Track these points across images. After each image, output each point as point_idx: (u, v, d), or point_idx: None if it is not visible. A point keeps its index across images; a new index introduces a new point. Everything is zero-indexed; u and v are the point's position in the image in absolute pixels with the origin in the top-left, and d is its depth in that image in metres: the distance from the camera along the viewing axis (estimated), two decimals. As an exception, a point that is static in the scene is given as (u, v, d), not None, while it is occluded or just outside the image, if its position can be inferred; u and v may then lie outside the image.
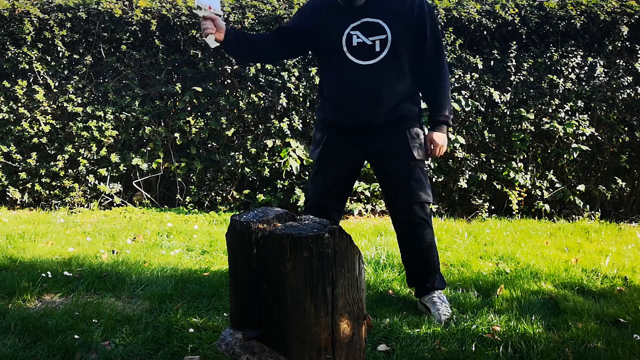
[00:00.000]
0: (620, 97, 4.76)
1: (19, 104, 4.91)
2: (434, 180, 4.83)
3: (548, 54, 4.74)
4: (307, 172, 4.82)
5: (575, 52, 4.74)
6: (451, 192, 4.90)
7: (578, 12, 4.70)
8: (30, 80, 4.95)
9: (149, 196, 5.05)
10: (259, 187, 4.94)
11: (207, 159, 4.96)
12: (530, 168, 4.87)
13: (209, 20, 2.24)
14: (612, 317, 2.45)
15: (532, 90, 4.78)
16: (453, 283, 2.93)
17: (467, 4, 4.75)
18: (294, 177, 4.85)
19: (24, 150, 4.97)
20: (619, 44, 4.75)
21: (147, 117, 4.90)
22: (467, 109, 4.72)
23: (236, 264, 1.59)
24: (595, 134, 4.81)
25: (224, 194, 4.96)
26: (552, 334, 2.27)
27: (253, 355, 1.50)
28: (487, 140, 4.82)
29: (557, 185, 4.88)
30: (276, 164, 4.83)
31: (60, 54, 4.89)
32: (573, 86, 4.76)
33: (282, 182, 4.82)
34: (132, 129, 4.97)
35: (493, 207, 4.91)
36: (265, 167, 4.83)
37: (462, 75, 4.75)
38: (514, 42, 4.73)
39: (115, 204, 4.96)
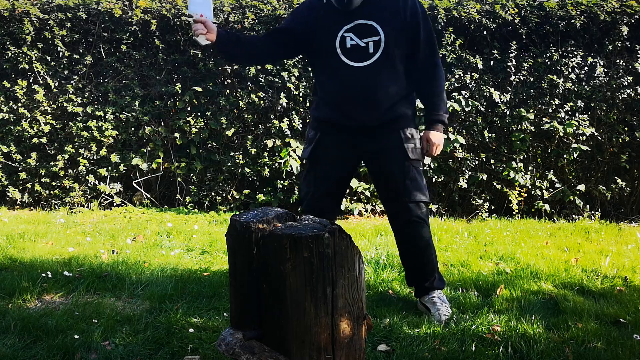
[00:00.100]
0: (620, 97, 4.76)
1: (19, 104, 4.91)
2: (433, 180, 4.83)
3: (548, 54, 4.74)
4: (307, 172, 4.82)
5: (575, 52, 4.74)
6: (451, 192, 4.90)
7: (578, 12, 4.70)
8: (30, 80, 4.95)
9: (149, 196, 5.05)
10: (259, 187, 4.94)
11: (207, 159, 4.96)
12: (530, 168, 4.87)
13: (199, 23, 2.25)
14: (612, 317, 2.45)
15: (532, 90, 4.78)
16: (453, 283, 2.93)
17: (467, 4, 4.75)
18: (294, 177, 4.86)
19: (24, 150, 4.97)
20: (619, 44, 4.75)
21: (147, 117, 4.90)
22: (467, 109, 4.72)
23: (236, 264, 1.59)
24: (595, 134, 4.82)
25: (224, 194, 4.96)
26: (552, 334, 2.27)
27: (253, 355, 1.50)
28: (487, 140, 4.82)
29: (557, 185, 4.88)
30: (276, 164, 4.83)
31: (60, 54, 4.89)
32: (573, 86, 4.76)
33: (282, 182, 4.82)
34: (132, 129, 4.97)
35: (493, 207, 4.91)
36: (265, 167, 4.83)
37: (462, 75, 4.75)
38: (514, 42, 4.73)
39: (115, 204, 4.97)
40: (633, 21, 4.71)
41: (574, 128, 4.70)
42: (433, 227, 4.22)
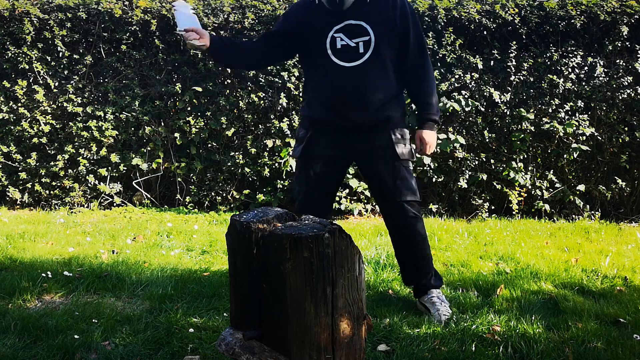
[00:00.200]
0: (620, 97, 4.76)
1: (19, 104, 4.91)
2: (433, 180, 4.83)
3: (548, 54, 4.74)
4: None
5: (575, 52, 4.74)
6: (451, 192, 4.90)
7: (578, 12, 4.70)
8: (30, 80, 4.95)
9: (149, 196, 5.05)
10: (259, 187, 4.94)
11: (207, 159, 4.96)
12: (530, 168, 4.87)
13: (191, 32, 2.27)
14: (612, 317, 2.46)
15: (532, 90, 4.78)
16: (453, 283, 2.93)
17: (467, 4, 4.75)
18: (294, 177, 4.85)
19: (24, 150, 4.97)
20: (619, 44, 4.75)
21: (147, 117, 4.90)
22: (467, 109, 4.72)
23: (236, 264, 1.59)
24: (595, 134, 4.81)
25: (224, 194, 4.96)
26: (552, 334, 2.27)
27: (253, 355, 1.50)
28: (487, 140, 4.82)
29: (557, 185, 4.88)
30: (276, 164, 4.83)
31: (60, 54, 4.89)
32: (573, 86, 4.76)
33: (282, 182, 4.82)
34: (132, 129, 4.97)
35: (493, 207, 4.91)
36: (265, 167, 4.83)
37: (462, 75, 4.75)
38: (514, 42, 4.73)
39: (115, 204, 4.97)
40: (633, 21, 4.71)
41: (574, 128, 4.70)
42: (433, 227, 4.22)
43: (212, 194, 4.95)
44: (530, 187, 4.83)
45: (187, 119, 4.86)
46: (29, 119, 4.93)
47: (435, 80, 4.70)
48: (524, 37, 4.74)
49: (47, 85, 4.95)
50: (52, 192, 4.99)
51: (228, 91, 4.89)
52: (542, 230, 4.32)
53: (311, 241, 1.45)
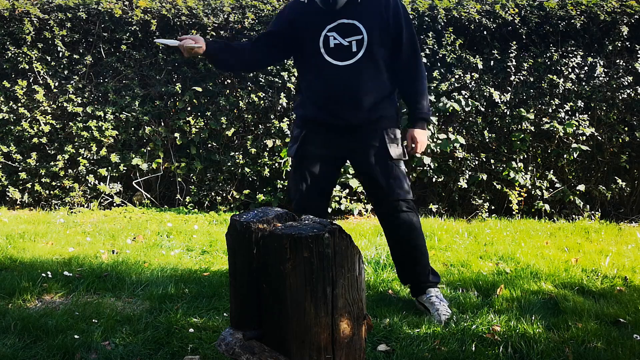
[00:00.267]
0: (620, 97, 4.76)
1: (19, 104, 4.91)
2: (433, 180, 4.83)
3: (548, 54, 4.74)
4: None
5: (575, 52, 4.74)
6: (451, 192, 4.90)
7: (578, 12, 4.70)
8: (30, 80, 4.95)
9: (149, 196, 5.05)
10: (259, 187, 4.95)
11: (207, 159, 4.96)
12: (530, 168, 4.87)
13: (187, 39, 2.30)
14: (612, 317, 2.45)
15: (532, 90, 4.78)
16: (453, 283, 2.93)
17: (467, 4, 4.75)
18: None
19: (24, 150, 4.97)
20: (619, 44, 4.75)
21: (147, 117, 4.90)
22: (467, 109, 4.72)
23: (236, 264, 1.59)
24: (595, 134, 4.81)
25: (224, 194, 4.96)
26: (552, 334, 2.27)
27: (253, 355, 1.50)
28: (487, 140, 4.82)
29: (557, 185, 4.88)
30: (276, 164, 4.83)
31: (60, 54, 4.89)
32: (573, 86, 4.76)
33: (282, 182, 4.82)
34: (132, 129, 4.97)
35: (493, 207, 4.91)
36: (265, 167, 4.83)
37: (462, 75, 4.75)
38: (514, 42, 4.73)
39: (115, 204, 4.97)
40: (633, 21, 4.71)
41: (574, 128, 4.70)
42: (433, 227, 4.22)
43: (212, 194, 4.95)
44: (530, 187, 4.83)
45: (187, 119, 4.86)
46: (29, 119, 4.93)
47: (435, 80, 4.74)
48: (524, 37, 4.74)
49: (47, 85, 4.95)
50: (52, 192, 4.99)
51: (228, 91, 4.89)
52: (542, 230, 4.32)
53: (311, 241, 1.45)
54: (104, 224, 4.34)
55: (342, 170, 4.62)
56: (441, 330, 2.30)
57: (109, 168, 4.95)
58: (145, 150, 4.97)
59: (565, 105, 4.77)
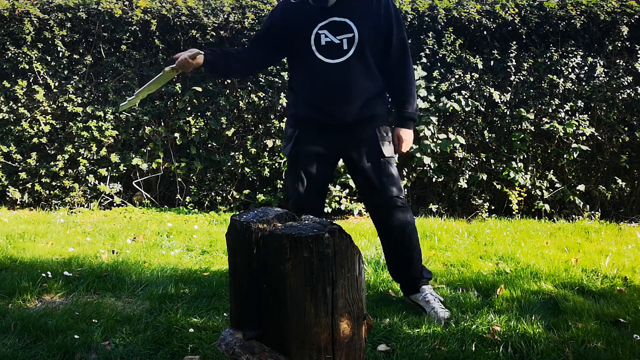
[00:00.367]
0: (620, 97, 4.76)
1: (19, 104, 4.91)
2: (433, 180, 4.83)
3: (548, 54, 4.74)
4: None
5: (575, 52, 4.74)
6: (451, 192, 4.90)
7: (578, 12, 4.70)
8: (30, 80, 4.95)
9: (149, 196, 5.05)
10: (259, 187, 4.95)
11: (207, 159, 4.96)
12: (530, 168, 4.87)
13: (183, 58, 2.30)
14: (612, 317, 2.45)
15: (532, 90, 4.78)
16: (453, 283, 2.93)
17: (467, 4, 4.75)
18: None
19: (24, 150, 4.97)
20: (619, 44, 4.75)
21: (147, 117, 4.90)
22: (467, 109, 4.72)
23: (236, 264, 1.59)
24: (595, 134, 4.81)
25: (224, 194, 4.96)
26: (552, 334, 2.27)
27: (253, 355, 1.50)
28: (487, 140, 4.82)
29: (557, 185, 4.88)
30: (276, 164, 4.83)
31: (60, 54, 4.89)
32: (573, 86, 4.76)
33: (282, 182, 4.82)
34: (132, 129, 4.97)
35: (493, 207, 4.91)
36: (265, 167, 4.83)
37: (462, 75, 4.75)
38: (514, 42, 4.73)
39: (115, 204, 4.97)
40: (633, 21, 4.70)
41: (574, 128, 4.70)
42: (433, 227, 4.22)
43: (212, 194, 4.95)
44: (530, 187, 4.83)
45: (187, 119, 4.86)
46: (29, 119, 4.93)
47: (435, 80, 4.74)
48: (524, 37, 4.74)
49: (47, 85, 4.95)
50: (52, 192, 4.99)
51: (228, 91, 4.89)
52: (542, 230, 4.32)
53: (311, 241, 1.45)
54: (104, 224, 4.34)
55: (341, 169, 4.66)
56: (441, 330, 2.30)
57: (109, 168, 4.95)
58: (145, 150, 4.97)
59: (565, 105, 4.77)
